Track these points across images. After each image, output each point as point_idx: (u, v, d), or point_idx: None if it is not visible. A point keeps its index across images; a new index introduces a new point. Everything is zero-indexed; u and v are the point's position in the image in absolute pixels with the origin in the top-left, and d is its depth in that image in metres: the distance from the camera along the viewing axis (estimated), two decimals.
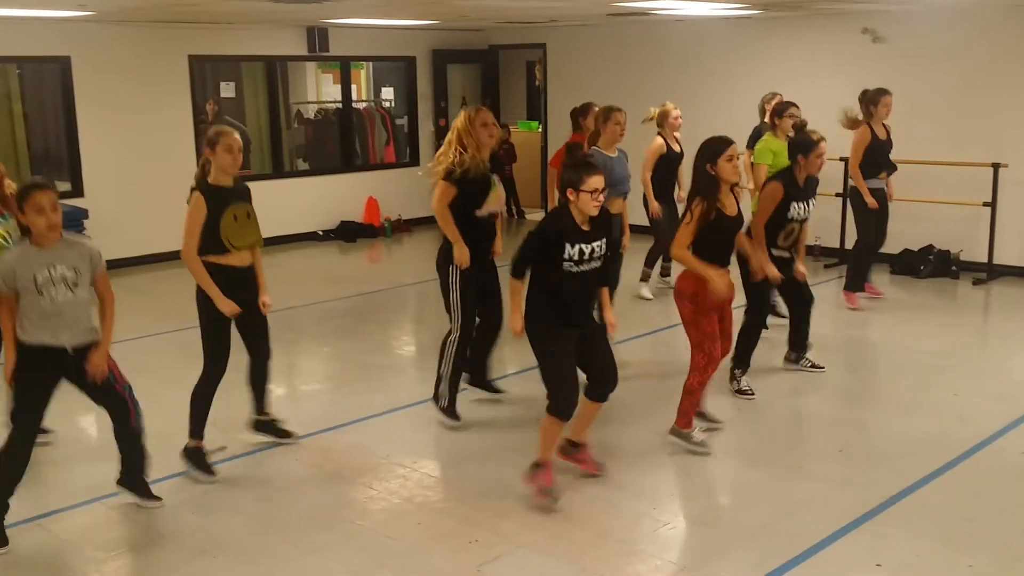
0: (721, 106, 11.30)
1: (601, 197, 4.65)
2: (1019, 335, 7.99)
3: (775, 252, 6.19)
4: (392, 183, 13.26)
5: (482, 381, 6.33)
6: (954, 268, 9.72)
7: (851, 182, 8.50)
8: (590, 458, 5.22)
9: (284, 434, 5.73)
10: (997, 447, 5.56)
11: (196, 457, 5.26)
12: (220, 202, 5.08)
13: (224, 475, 5.28)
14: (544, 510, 4.79)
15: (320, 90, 15.23)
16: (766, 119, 9.09)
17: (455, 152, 5.62)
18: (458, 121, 5.73)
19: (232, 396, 6.52)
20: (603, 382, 4.94)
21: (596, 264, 4.74)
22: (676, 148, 8.62)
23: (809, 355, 6.81)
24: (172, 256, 11.03)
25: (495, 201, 5.80)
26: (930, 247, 9.79)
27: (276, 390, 6.76)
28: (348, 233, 12.56)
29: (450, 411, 5.94)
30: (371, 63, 14.71)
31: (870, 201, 8.18)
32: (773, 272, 6.09)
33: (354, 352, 7.76)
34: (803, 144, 6.19)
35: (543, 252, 4.68)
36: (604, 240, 4.77)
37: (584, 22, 12.23)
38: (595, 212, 4.68)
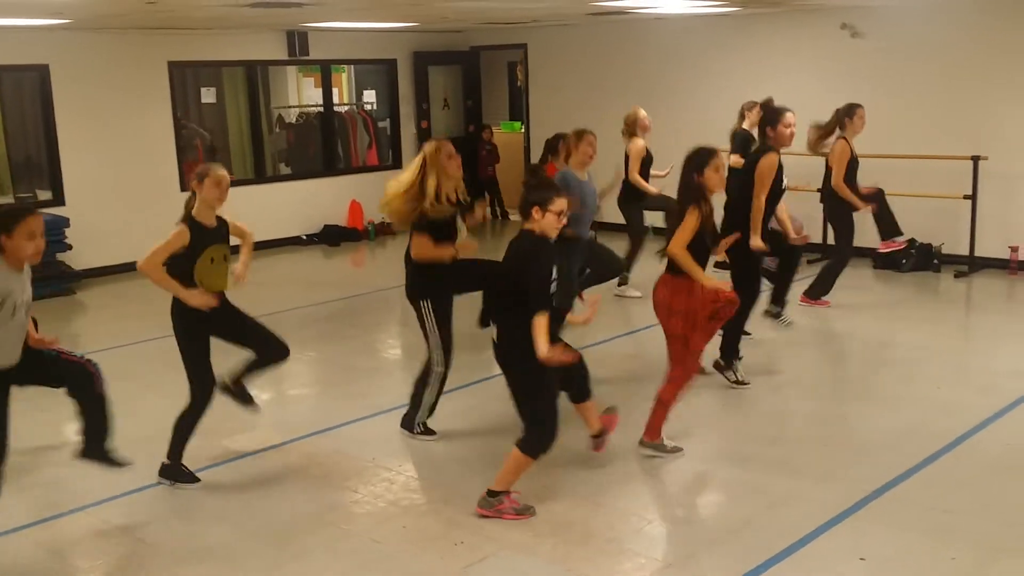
0: (701, 103, 11.35)
1: (564, 219, 4.63)
2: (1000, 327, 8.04)
3: (771, 227, 6.52)
4: (375, 186, 13.15)
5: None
6: (936, 261, 9.78)
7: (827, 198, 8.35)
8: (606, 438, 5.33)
9: (249, 400, 5.56)
10: (979, 439, 5.60)
11: (174, 471, 5.21)
12: (202, 241, 5.05)
13: (208, 481, 5.27)
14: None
15: (301, 94, 15.20)
16: (745, 125, 9.23)
17: (428, 198, 5.44)
18: (426, 151, 5.57)
19: (216, 404, 6.49)
20: (581, 381, 5.09)
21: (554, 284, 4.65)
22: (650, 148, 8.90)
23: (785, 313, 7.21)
24: None
25: (465, 248, 5.65)
26: (912, 241, 9.84)
27: (261, 395, 6.75)
28: (332, 237, 12.54)
29: (427, 431, 5.82)
30: (352, 66, 14.70)
31: (862, 205, 8.08)
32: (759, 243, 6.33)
33: (339, 356, 7.76)
34: (771, 115, 6.46)
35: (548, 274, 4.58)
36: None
37: (564, 22, 12.24)
38: (555, 235, 4.65)
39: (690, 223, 5.15)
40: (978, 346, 7.74)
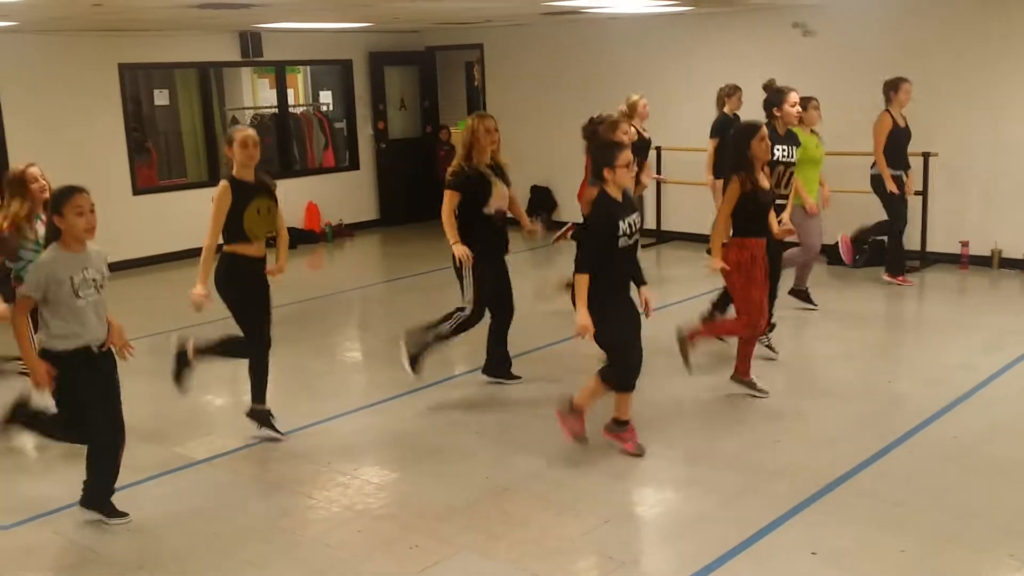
0: (658, 101, 11.33)
1: (634, 167, 5.13)
2: (951, 321, 8.16)
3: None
4: (332, 187, 13.17)
5: (500, 371, 6.66)
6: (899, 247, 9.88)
7: (872, 170, 8.82)
8: (634, 438, 5.44)
9: (275, 430, 5.86)
10: (930, 432, 5.68)
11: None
12: (247, 195, 5.47)
13: (159, 490, 5.21)
14: (484, 512, 4.80)
15: (256, 95, 15.08)
16: (725, 110, 9.38)
17: (459, 159, 6.18)
18: (464, 128, 6.28)
19: (168, 407, 6.44)
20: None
21: (638, 237, 5.15)
22: (646, 135, 8.87)
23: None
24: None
25: (499, 198, 6.18)
26: (866, 236, 9.94)
27: (215, 401, 6.71)
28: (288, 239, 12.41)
29: (413, 363, 6.23)
30: (308, 67, 14.60)
31: (891, 186, 8.59)
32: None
33: (294, 360, 7.69)
34: (776, 96, 6.90)
35: (602, 238, 5.00)
36: (638, 215, 5.18)
37: (519, 22, 12.25)
38: (630, 183, 5.12)
39: (733, 191, 5.79)
40: (929, 340, 7.85)
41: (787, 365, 7.04)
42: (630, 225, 5.09)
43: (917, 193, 9.67)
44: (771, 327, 7.10)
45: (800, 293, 8.26)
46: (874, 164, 8.81)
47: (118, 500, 4.88)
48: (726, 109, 9.61)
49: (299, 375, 7.31)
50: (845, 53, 10.21)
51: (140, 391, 6.85)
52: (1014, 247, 9.59)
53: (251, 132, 5.57)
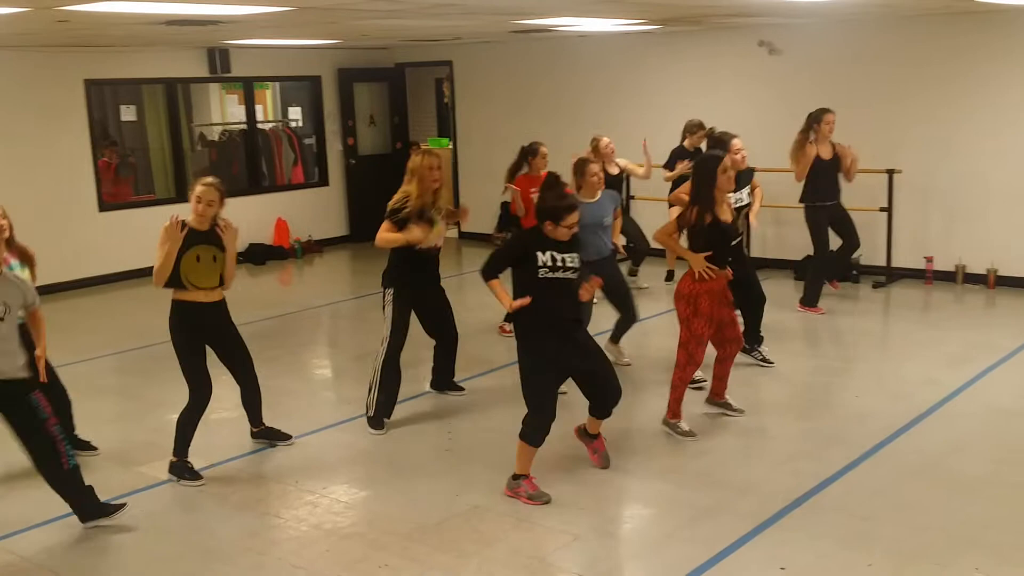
0: (627, 119, 11.46)
1: (575, 229, 5.01)
2: (916, 336, 8.25)
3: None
4: (301, 204, 13.12)
5: (447, 386, 6.89)
6: (855, 272, 10.01)
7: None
8: (601, 450, 5.48)
9: (283, 436, 6.08)
10: (895, 447, 5.72)
11: (180, 469, 5.51)
12: (186, 241, 5.38)
13: (121, 511, 5.13)
14: (454, 531, 4.78)
15: (225, 111, 14.99)
16: (686, 143, 9.54)
17: (404, 192, 6.10)
18: (410, 162, 6.20)
19: (131, 427, 6.37)
20: (605, 400, 5.27)
21: (572, 274, 5.01)
22: (614, 171, 9.02)
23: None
24: (71, 286, 10.83)
25: (436, 236, 6.23)
26: (831, 252, 10.04)
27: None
28: (257, 255, 12.36)
29: (374, 421, 6.25)
30: (276, 83, 14.55)
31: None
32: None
33: (263, 377, 7.55)
34: (721, 144, 6.88)
35: (515, 260, 5.03)
36: (576, 254, 5.05)
37: (489, 39, 12.29)
38: (566, 239, 5.02)
39: (686, 218, 5.76)
40: (894, 355, 7.92)
41: (753, 382, 7.07)
42: (554, 259, 4.94)
43: (882, 209, 9.80)
44: (759, 340, 7.34)
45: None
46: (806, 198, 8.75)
47: (74, 524, 4.80)
48: (686, 143, 9.66)
49: (267, 392, 7.20)
50: (810, 71, 10.32)
51: (104, 410, 6.79)
52: (977, 262, 9.72)
53: (209, 189, 5.46)
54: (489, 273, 5.14)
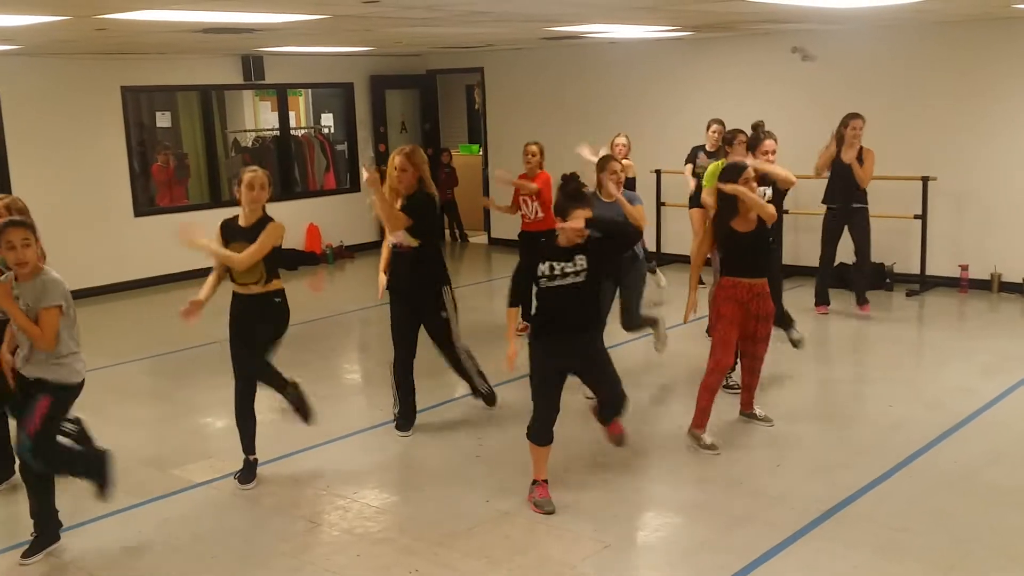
0: (658, 124, 11.45)
1: (585, 232, 4.90)
2: (950, 344, 8.16)
3: None
4: (333, 210, 13.20)
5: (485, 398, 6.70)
6: (888, 280, 9.92)
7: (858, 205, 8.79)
8: (616, 433, 5.54)
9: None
10: (930, 456, 5.66)
11: (247, 471, 5.54)
12: (227, 235, 5.48)
13: (157, 514, 5.19)
14: (484, 537, 4.79)
15: (258, 118, 15.13)
16: (707, 144, 9.50)
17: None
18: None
19: (166, 430, 6.42)
20: (610, 406, 5.29)
21: (574, 280, 4.93)
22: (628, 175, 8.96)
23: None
24: (106, 290, 10.95)
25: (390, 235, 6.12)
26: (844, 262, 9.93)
27: (215, 423, 6.70)
28: (289, 261, 12.45)
29: (398, 424, 6.29)
30: (309, 90, 14.66)
31: None
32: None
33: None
34: (753, 141, 7.03)
35: (528, 280, 4.99)
36: (584, 259, 4.94)
37: (520, 46, 12.31)
38: (579, 240, 4.95)
39: (711, 229, 5.85)
40: (929, 364, 7.85)
41: (787, 390, 7.03)
42: (552, 268, 4.91)
43: (916, 217, 9.70)
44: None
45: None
46: (858, 198, 8.73)
47: (112, 524, 4.85)
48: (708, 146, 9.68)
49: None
50: (844, 77, 10.25)
51: (139, 414, 6.86)
52: (1013, 271, 9.60)
53: (258, 174, 5.45)
54: (511, 302, 5.10)
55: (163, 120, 13.13)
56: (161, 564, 4.68)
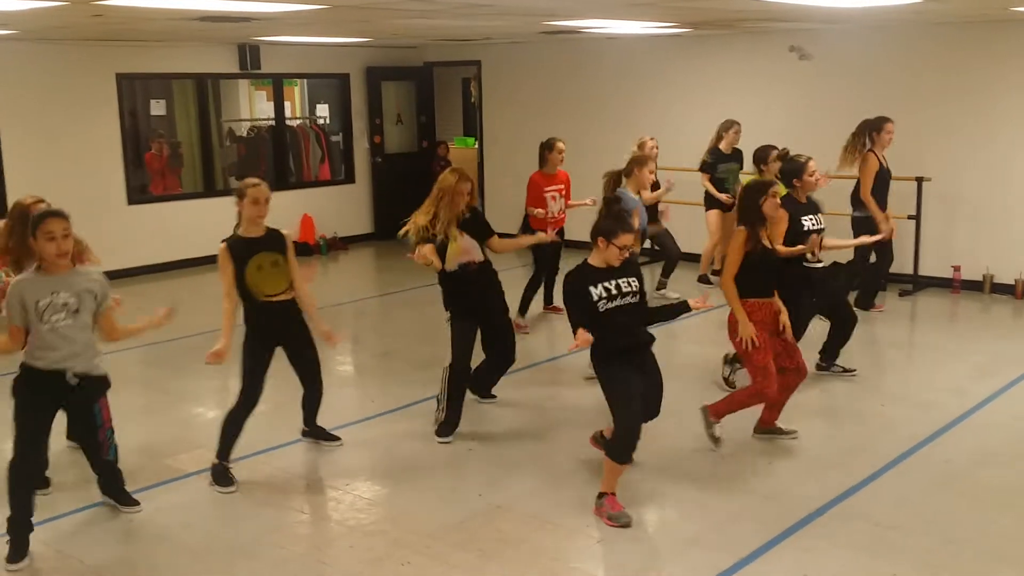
0: (654, 121, 11.43)
1: (627, 253, 4.86)
2: (943, 345, 8.18)
3: (807, 264, 6.56)
4: (327, 200, 13.17)
5: (483, 392, 6.62)
6: (882, 280, 9.92)
7: (857, 212, 8.70)
8: (608, 510, 5.20)
9: (331, 437, 6.00)
10: (922, 456, 5.68)
11: (220, 474, 5.37)
12: (244, 253, 5.25)
13: (148, 503, 5.17)
14: (476, 529, 4.79)
15: (253, 107, 15.08)
16: (721, 145, 9.64)
17: (428, 215, 5.90)
18: (442, 180, 6.00)
19: (158, 420, 6.41)
20: (647, 416, 5.14)
21: (631, 300, 4.89)
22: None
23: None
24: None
25: (456, 254, 5.93)
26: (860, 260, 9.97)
27: (207, 414, 6.68)
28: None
29: (442, 430, 6.07)
30: (305, 80, 14.62)
31: (887, 227, 8.42)
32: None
33: (287, 373, 7.64)
34: (795, 168, 6.61)
35: (580, 304, 4.83)
36: (633, 278, 4.92)
37: (518, 40, 12.30)
38: (617, 264, 4.87)
39: (738, 248, 5.55)
40: (921, 364, 7.87)
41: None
42: (607, 289, 4.83)
43: (910, 217, 9.72)
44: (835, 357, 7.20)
45: None
46: (859, 207, 8.68)
47: (101, 514, 4.84)
48: (722, 145, 9.66)
49: (291, 389, 7.25)
50: (841, 77, 10.26)
51: (131, 403, 6.84)
52: (1006, 272, 9.63)
53: (263, 188, 5.36)
54: (574, 327, 4.85)
55: (158, 108, 13.08)
56: (152, 552, 4.68)
